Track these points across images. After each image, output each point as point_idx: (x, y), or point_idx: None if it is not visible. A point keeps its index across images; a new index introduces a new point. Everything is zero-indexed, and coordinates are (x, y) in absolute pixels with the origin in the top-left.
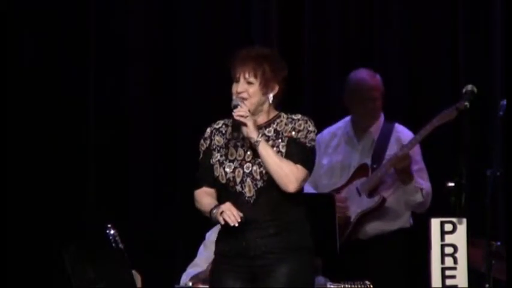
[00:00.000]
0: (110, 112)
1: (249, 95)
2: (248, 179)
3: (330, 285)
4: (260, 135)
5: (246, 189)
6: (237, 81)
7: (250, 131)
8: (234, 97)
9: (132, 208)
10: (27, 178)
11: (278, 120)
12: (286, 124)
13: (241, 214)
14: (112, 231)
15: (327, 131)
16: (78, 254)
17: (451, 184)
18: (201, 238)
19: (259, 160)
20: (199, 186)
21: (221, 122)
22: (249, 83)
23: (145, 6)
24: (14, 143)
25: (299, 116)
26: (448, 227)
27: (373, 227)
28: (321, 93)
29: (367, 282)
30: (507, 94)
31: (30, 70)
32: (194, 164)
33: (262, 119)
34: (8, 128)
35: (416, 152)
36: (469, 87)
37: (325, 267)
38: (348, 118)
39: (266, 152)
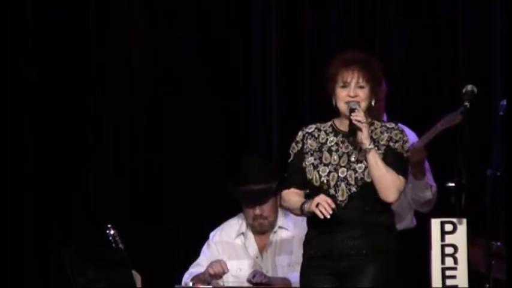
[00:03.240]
0: (110, 111)
1: (361, 99)
2: (342, 184)
3: None
4: (371, 143)
5: (339, 193)
6: (347, 85)
7: (365, 137)
8: (341, 101)
9: (132, 208)
10: (26, 178)
11: (372, 128)
12: (381, 132)
13: (334, 206)
14: (112, 231)
15: None
16: (78, 254)
17: (451, 184)
18: (202, 238)
19: (355, 166)
20: (288, 187)
21: (313, 126)
22: (361, 87)
23: (146, 5)
24: (14, 142)
25: (393, 125)
26: (448, 227)
27: None
28: (321, 93)
29: None
30: (507, 94)
31: (30, 69)
32: (195, 164)
33: None
34: (8, 127)
35: None
36: (469, 87)
37: None
38: None
39: (375, 160)
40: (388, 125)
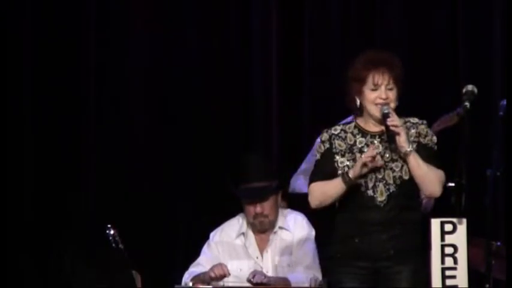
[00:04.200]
0: (109, 110)
1: (391, 100)
2: (380, 184)
3: None
4: (410, 145)
5: (378, 194)
6: (377, 88)
7: (404, 141)
8: (371, 104)
9: (132, 208)
10: (26, 178)
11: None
12: (408, 128)
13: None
14: (112, 231)
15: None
16: (79, 254)
17: (451, 184)
18: (202, 238)
19: (391, 165)
20: (319, 180)
21: (338, 127)
22: (390, 89)
23: (145, 5)
24: (14, 142)
25: (417, 120)
26: (448, 227)
27: None
28: (321, 93)
29: None
30: (507, 94)
31: (30, 69)
32: (195, 163)
33: None
34: (8, 127)
35: None
36: (469, 87)
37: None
38: (349, 119)
39: (417, 162)
40: (411, 120)
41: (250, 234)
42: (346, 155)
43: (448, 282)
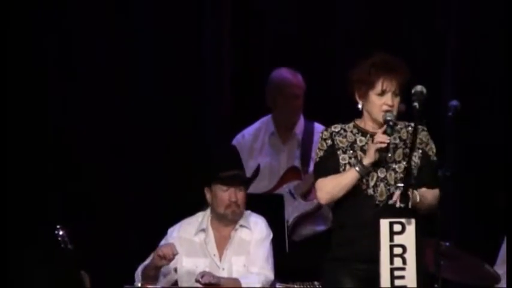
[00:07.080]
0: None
1: (395, 108)
2: (381, 184)
3: (279, 285)
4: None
5: (378, 194)
6: (384, 93)
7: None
8: (377, 109)
9: (83, 208)
10: None
11: (398, 128)
12: (409, 133)
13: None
14: (61, 232)
15: (247, 133)
16: (29, 255)
17: (400, 185)
18: (155, 238)
19: (394, 166)
20: (325, 175)
21: (338, 126)
22: (396, 95)
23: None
24: None
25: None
26: (397, 228)
27: (308, 229)
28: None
29: (316, 283)
30: (456, 95)
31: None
32: (149, 162)
33: None
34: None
35: None
36: (418, 87)
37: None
38: (266, 119)
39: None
40: (412, 125)
41: (211, 231)
42: (348, 152)
43: (397, 282)
